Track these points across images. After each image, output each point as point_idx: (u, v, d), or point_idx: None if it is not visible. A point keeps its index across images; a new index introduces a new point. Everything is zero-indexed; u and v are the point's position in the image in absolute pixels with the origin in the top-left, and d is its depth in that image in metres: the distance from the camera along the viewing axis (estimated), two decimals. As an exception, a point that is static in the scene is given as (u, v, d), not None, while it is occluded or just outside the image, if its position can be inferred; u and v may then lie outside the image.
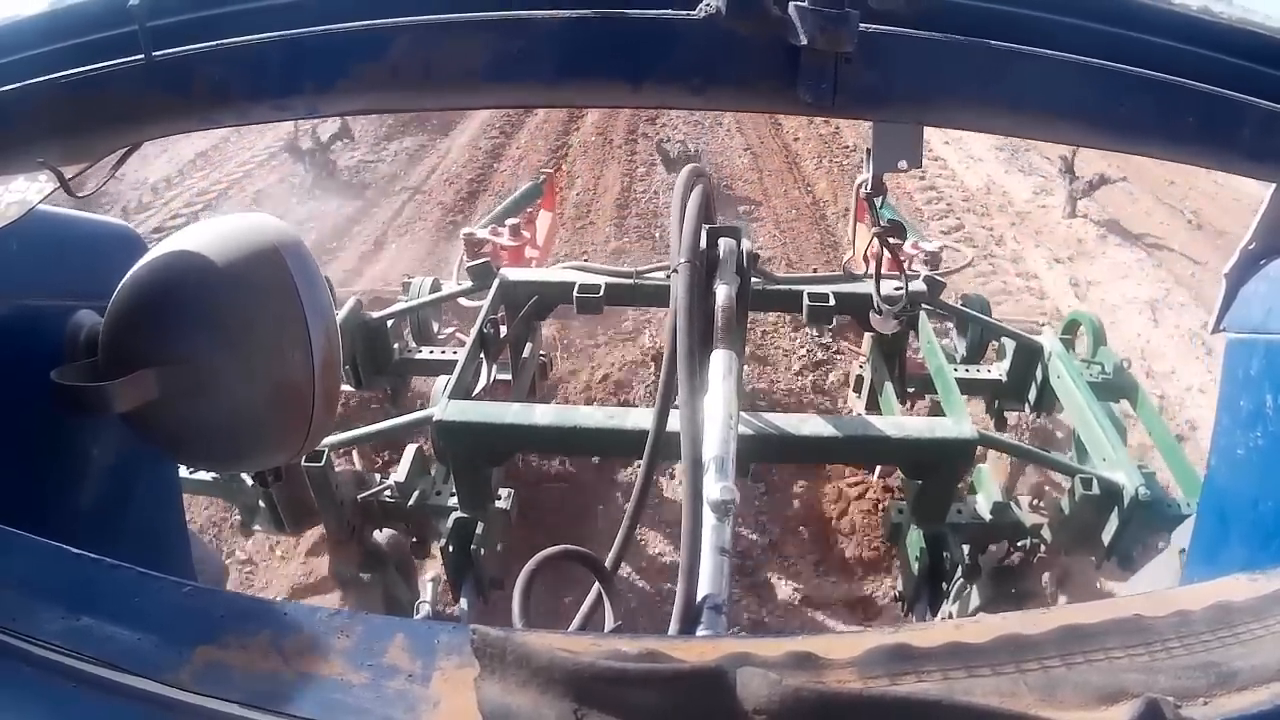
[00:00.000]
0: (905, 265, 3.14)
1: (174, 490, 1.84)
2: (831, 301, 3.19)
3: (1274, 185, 1.36)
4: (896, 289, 2.96)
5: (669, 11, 0.95)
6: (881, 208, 2.18)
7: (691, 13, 0.95)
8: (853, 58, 0.94)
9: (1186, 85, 1.02)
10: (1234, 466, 1.44)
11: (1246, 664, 0.80)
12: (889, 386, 3.40)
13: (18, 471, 1.30)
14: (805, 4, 0.91)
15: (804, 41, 0.91)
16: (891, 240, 2.45)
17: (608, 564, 1.44)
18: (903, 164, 1.87)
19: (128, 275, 1.22)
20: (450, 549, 2.75)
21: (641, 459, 1.67)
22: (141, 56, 0.97)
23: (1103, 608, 0.88)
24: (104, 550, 0.87)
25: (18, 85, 1.03)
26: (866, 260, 3.25)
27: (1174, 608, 0.88)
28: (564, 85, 1.02)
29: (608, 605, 1.34)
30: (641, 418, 2.58)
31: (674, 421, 1.57)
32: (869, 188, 2.12)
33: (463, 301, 3.73)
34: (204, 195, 8.47)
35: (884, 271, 2.94)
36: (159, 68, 0.98)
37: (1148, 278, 7.18)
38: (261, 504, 2.76)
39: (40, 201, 1.14)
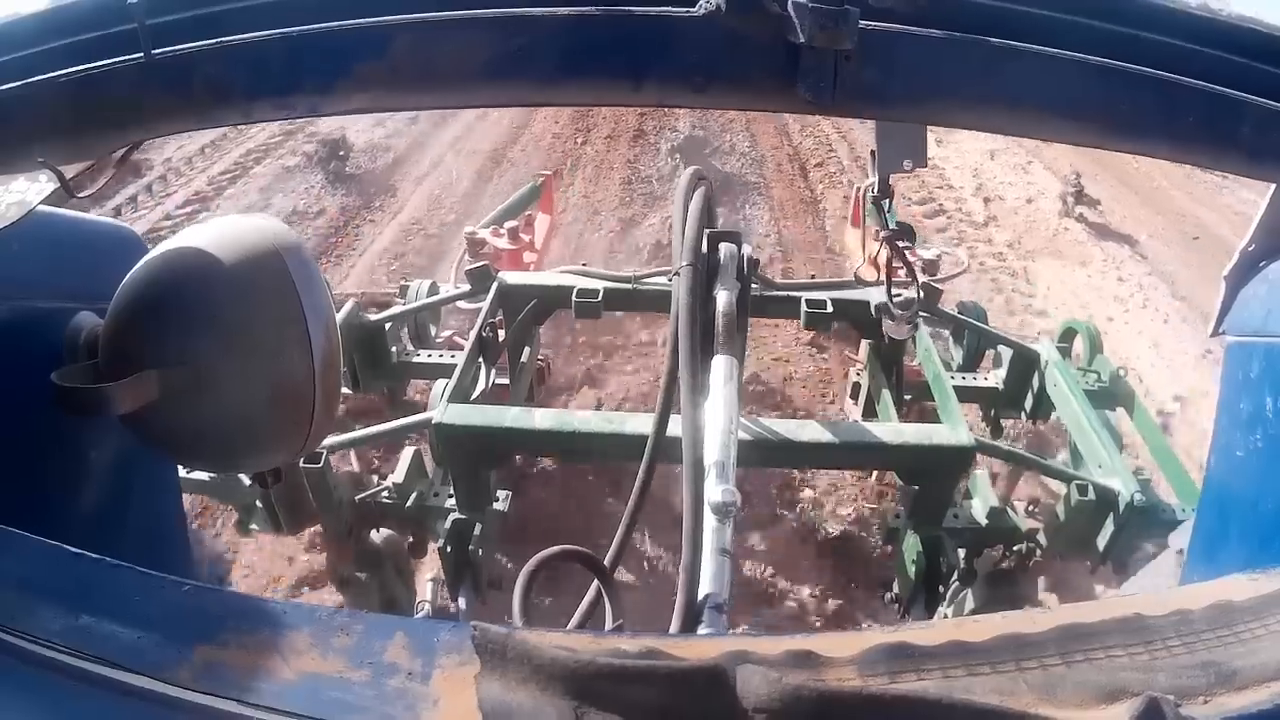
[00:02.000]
0: (915, 269, 3.15)
1: (174, 490, 1.84)
2: (829, 308, 3.21)
3: (1274, 186, 1.36)
4: (897, 294, 2.97)
5: (669, 9, 0.95)
6: (888, 211, 2.18)
7: (692, 10, 0.95)
8: (852, 55, 0.94)
9: (1187, 84, 1.02)
10: (1233, 468, 1.44)
11: (1246, 663, 0.80)
12: (886, 394, 3.41)
13: (18, 472, 1.30)
14: (805, 1, 0.91)
15: (803, 39, 0.91)
16: (901, 243, 2.45)
17: (606, 563, 1.44)
18: (908, 164, 1.87)
19: (127, 277, 1.22)
20: (449, 550, 2.76)
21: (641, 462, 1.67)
22: (141, 55, 0.97)
23: (1103, 607, 0.88)
24: (104, 550, 0.87)
25: (16, 84, 1.02)
26: (876, 266, 3.27)
27: (1174, 607, 0.88)
28: (565, 83, 1.02)
29: (607, 605, 1.34)
30: (640, 423, 2.59)
31: (674, 426, 1.57)
32: (875, 191, 2.11)
33: (461, 305, 3.73)
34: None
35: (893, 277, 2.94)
36: (158, 66, 0.98)
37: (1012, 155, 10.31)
38: (259, 504, 2.76)
39: (40, 202, 1.13)
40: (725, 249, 1.88)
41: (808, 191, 8.96)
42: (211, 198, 8.59)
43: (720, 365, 1.66)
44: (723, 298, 1.79)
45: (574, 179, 8.86)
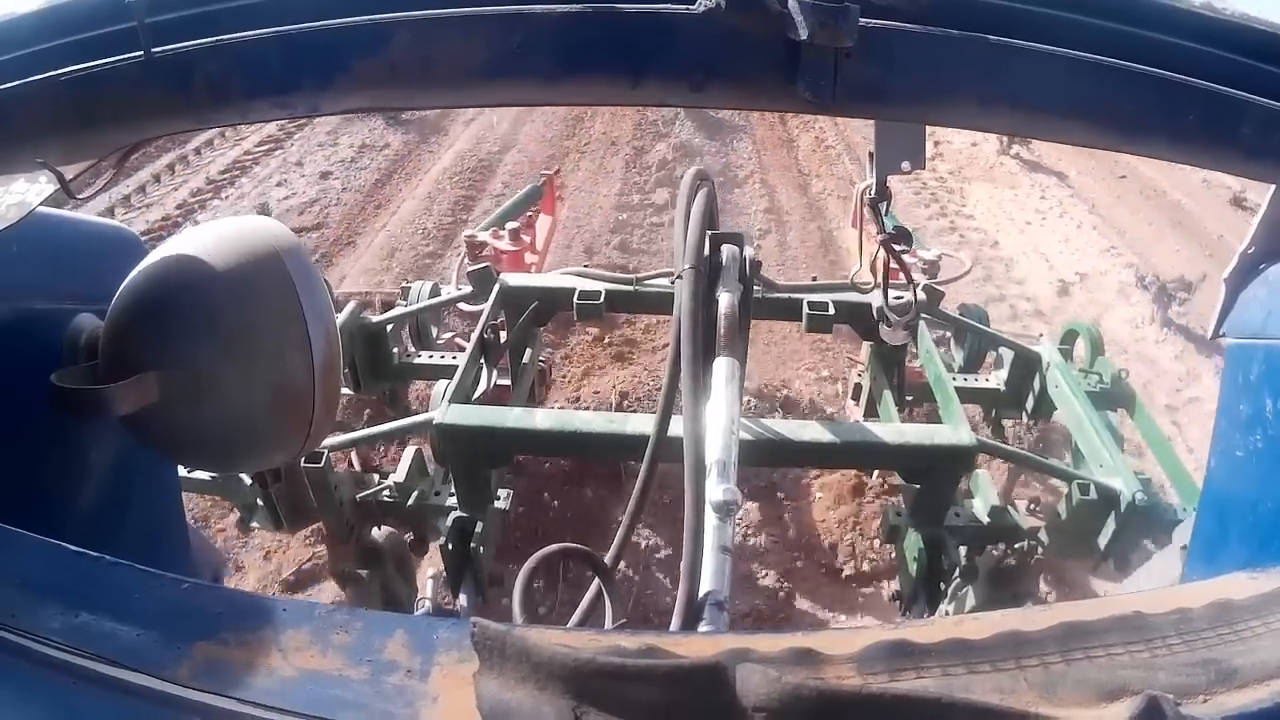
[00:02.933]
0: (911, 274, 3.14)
1: (173, 490, 1.84)
2: (831, 310, 3.20)
3: (1274, 187, 1.36)
4: (896, 298, 2.96)
5: (668, 6, 0.95)
6: (885, 214, 2.17)
7: (691, 7, 0.94)
8: (853, 53, 0.94)
9: (1188, 83, 1.02)
10: (1233, 469, 1.43)
11: (1246, 661, 0.80)
12: (888, 395, 3.41)
13: (18, 472, 1.30)
14: None
15: (804, 36, 0.91)
16: (898, 247, 2.44)
17: (607, 562, 1.44)
18: (906, 165, 1.86)
19: (128, 279, 1.22)
20: (450, 548, 2.76)
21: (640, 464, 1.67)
22: (140, 53, 0.97)
23: (1103, 605, 0.88)
24: (104, 550, 0.87)
25: (15, 83, 1.02)
26: (874, 270, 3.26)
27: (1174, 605, 0.88)
28: (563, 81, 1.02)
29: (608, 603, 1.34)
30: (641, 423, 2.59)
31: (675, 426, 1.57)
32: (873, 193, 2.10)
33: (463, 306, 3.73)
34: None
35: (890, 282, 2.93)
36: (158, 65, 0.98)
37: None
38: (260, 503, 2.76)
39: (40, 203, 1.13)
40: (727, 251, 1.88)
41: (785, 134, 10.59)
42: (284, 139, 9.75)
43: (722, 366, 1.66)
44: (725, 300, 1.78)
45: (594, 122, 10.44)
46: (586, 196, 8.29)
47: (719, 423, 1.52)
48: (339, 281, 6.54)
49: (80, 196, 1.12)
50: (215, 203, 8.03)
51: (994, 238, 8.04)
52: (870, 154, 1.96)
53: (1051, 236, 8.08)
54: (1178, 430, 5.10)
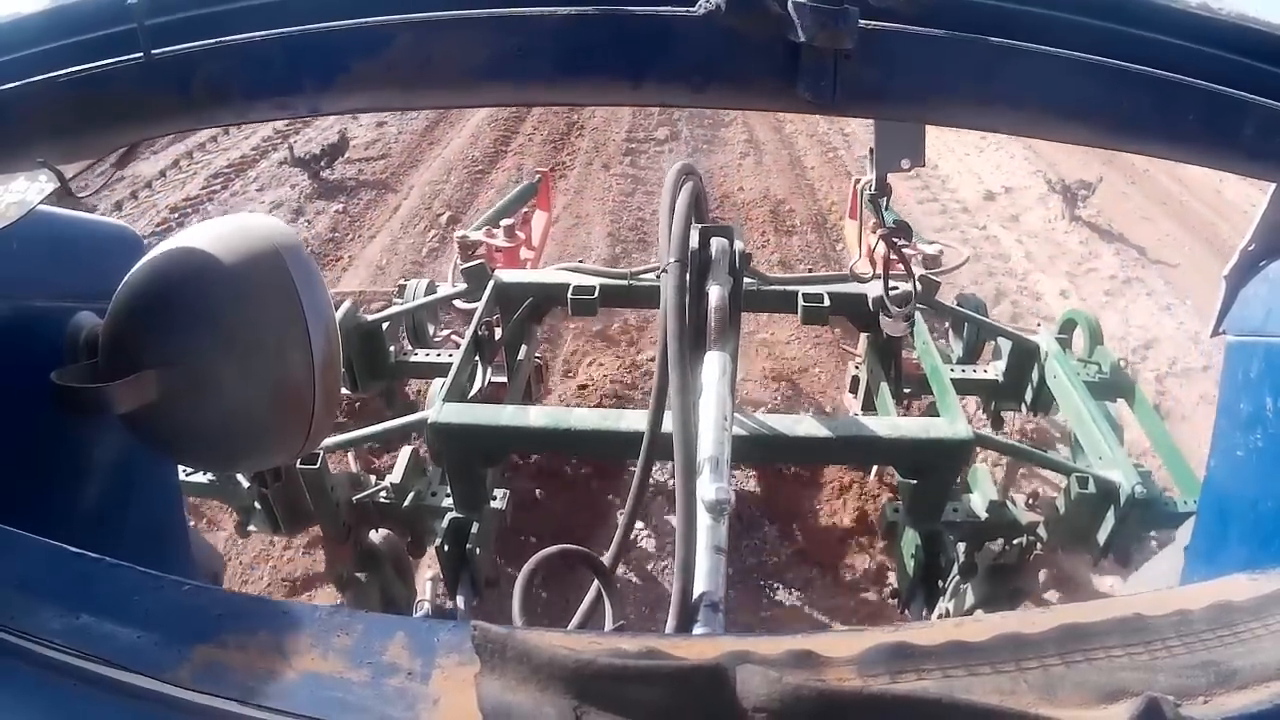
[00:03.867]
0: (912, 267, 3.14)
1: (174, 490, 1.83)
2: (826, 302, 3.19)
3: (1274, 185, 1.36)
4: (893, 289, 2.95)
5: (668, 9, 0.95)
6: (885, 209, 2.17)
7: (691, 10, 0.94)
8: (853, 55, 0.94)
9: (1187, 83, 1.02)
10: (1234, 468, 1.43)
11: (1246, 663, 0.80)
12: (885, 387, 3.40)
13: (18, 471, 1.29)
14: (804, 0, 0.91)
15: (803, 38, 0.91)
16: (898, 241, 2.44)
17: (606, 563, 1.44)
18: (905, 163, 1.86)
19: (128, 276, 1.21)
20: (445, 549, 2.75)
21: (636, 461, 1.67)
22: (140, 54, 0.97)
23: (1103, 607, 0.88)
24: (104, 550, 0.87)
25: (16, 84, 1.02)
26: (873, 262, 3.25)
27: (1174, 607, 0.88)
28: (563, 83, 1.02)
29: (607, 604, 1.34)
30: (636, 419, 2.58)
31: (669, 422, 1.57)
32: (873, 188, 2.10)
33: (458, 304, 3.72)
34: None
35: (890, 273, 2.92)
36: (158, 66, 0.98)
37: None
38: (258, 506, 2.76)
39: (40, 202, 1.13)
40: (717, 244, 1.87)
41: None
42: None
43: (713, 361, 1.65)
44: (715, 293, 1.78)
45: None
46: (602, 134, 9.93)
47: (710, 418, 1.51)
48: (408, 191, 8.19)
49: (80, 196, 1.12)
50: (287, 143, 9.26)
51: (934, 163, 9.38)
52: (870, 151, 1.96)
53: (986, 164, 9.57)
54: (1074, 286, 6.73)
